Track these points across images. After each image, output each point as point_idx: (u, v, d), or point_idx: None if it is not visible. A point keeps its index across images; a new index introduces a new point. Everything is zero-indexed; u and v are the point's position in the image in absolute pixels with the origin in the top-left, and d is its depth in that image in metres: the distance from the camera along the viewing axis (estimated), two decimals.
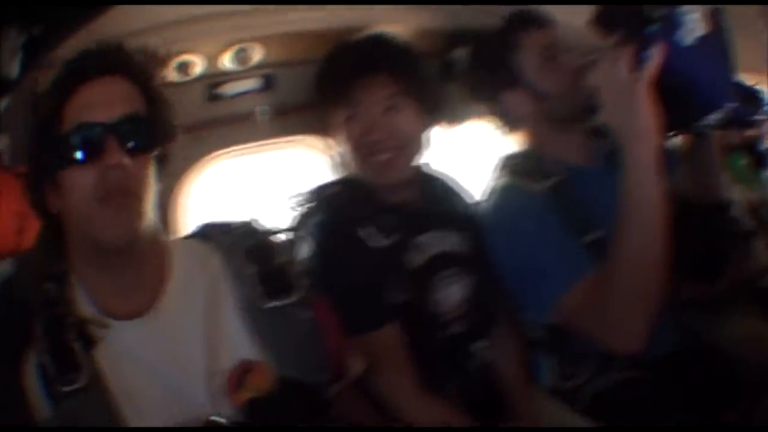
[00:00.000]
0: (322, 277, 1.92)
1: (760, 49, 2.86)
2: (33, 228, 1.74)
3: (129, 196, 1.55)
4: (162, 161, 1.69)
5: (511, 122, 2.61)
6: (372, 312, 2.19)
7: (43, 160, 1.59)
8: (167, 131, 1.70)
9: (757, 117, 2.29)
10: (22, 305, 1.60)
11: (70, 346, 1.52)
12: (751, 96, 2.26)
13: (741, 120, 2.25)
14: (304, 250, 2.00)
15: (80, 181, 1.53)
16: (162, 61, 1.84)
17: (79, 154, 1.53)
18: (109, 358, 1.55)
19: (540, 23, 2.51)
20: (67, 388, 1.47)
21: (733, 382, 2.41)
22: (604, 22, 2.02)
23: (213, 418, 1.55)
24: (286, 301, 1.71)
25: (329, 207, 2.33)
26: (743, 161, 3.77)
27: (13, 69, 1.25)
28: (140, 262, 1.65)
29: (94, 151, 1.52)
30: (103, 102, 1.57)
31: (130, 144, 1.55)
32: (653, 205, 1.96)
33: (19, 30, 1.20)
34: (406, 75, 2.34)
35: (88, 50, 1.64)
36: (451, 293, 2.35)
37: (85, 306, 1.61)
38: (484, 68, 2.59)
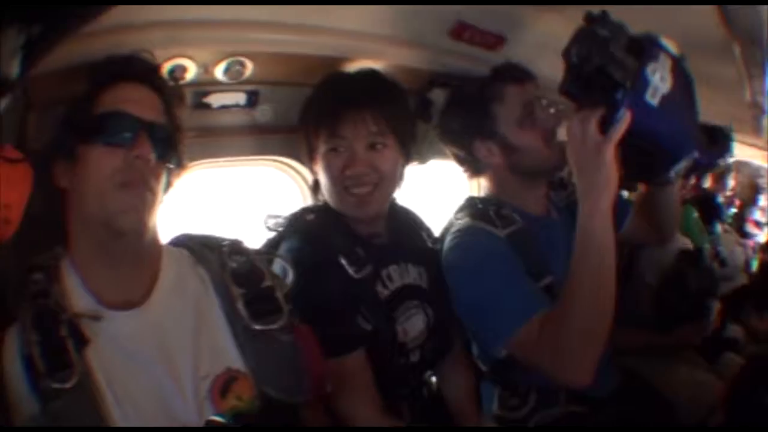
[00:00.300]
0: (302, 301, 1.92)
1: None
2: (16, 220, 1.65)
3: (147, 188, 1.67)
4: (170, 174, 1.82)
5: (477, 168, 2.71)
6: (344, 338, 2.21)
7: (68, 135, 1.70)
8: (179, 146, 1.83)
9: (721, 159, 2.49)
10: None
11: (63, 343, 1.54)
12: (715, 139, 2.40)
13: (704, 165, 2.42)
14: (282, 273, 1.97)
15: (105, 162, 1.65)
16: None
17: (111, 136, 1.66)
18: (100, 352, 1.60)
19: (523, 79, 2.60)
20: (57, 385, 1.48)
21: (670, 422, 2.63)
22: (574, 90, 2.08)
23: (212, 417, 1.58)
24: (271, 326, 1.76)
25: (308, 234, 2.33)
26: (695, 214, 4.02)
27: (13, 69, 1.19)
28: (140, 254, 1.74)
29: (126, 138, 1.66)
30: (138, 102, 1.73)
31: (157, 145, 1.69)
32: (605, 250, 2.07)
33: (19, 30, 1.14)
34: (392, 113, 2.36)
35: (128, 56, 1.81)
36: (414, 324, 2.43)
37: (79, 294, 1.67)
38: (461, 114, 2.68)
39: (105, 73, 1.77)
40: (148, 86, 1.78)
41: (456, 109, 2.72)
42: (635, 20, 2.03)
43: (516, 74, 2.62)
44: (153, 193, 1.70)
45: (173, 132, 1.80)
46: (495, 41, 2.89)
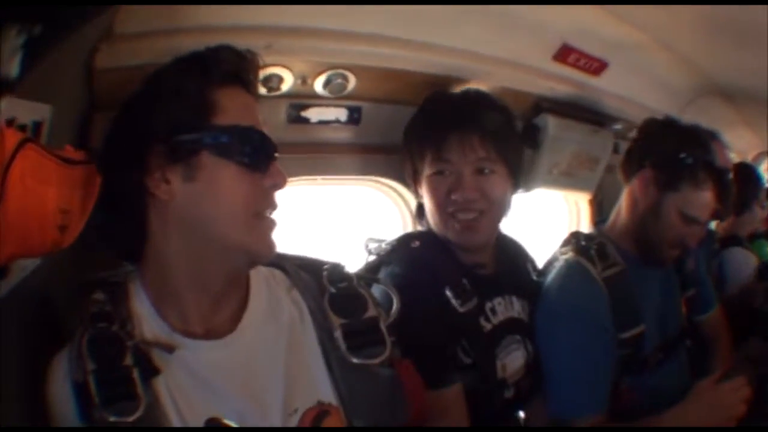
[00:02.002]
0: (401, 330, 1.67)
1: None
2: (77, 227, 1.43)
3: (275, 218, 1.45)
4: None
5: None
6: (443, 370, 1.99)
7: (181, 140, 1.36)
8: None
9: None
10: (45, 307, 1.47)
11: (128, 372, 1.31)
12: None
13: None
14: (384, 300, 1.71)
15: (243, 186, 1.38)
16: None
17: (250, 158, 1.38)
18: (174, 382, 1.35)
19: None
20: (115, 419, 1.25)
21: None
22: None
23: (214, 417, 1.35)
24: (372, 361, 1.53)
25: (413, 262, 2.12)
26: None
27: (13, 69, 1.08)
28: (238, 281, 1.50)
29: (265, 163, 1.41)
30: (259, 118, 1.45)
31: None
32: None
33: (19, 30, 1.04)
34: (500, 137, 2.14)
35: (241, 53, 1.46)
36: (514, 359, 2.21)
37: (150, 320, 1.41)
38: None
39: (222, 69, 1.43)
40: (255, 97, 1.50)
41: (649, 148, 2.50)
42: None
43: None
44: (276, 221, 1.47)
45: None
46: (598, 66, 2.74)
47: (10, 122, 1.27)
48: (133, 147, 1.39)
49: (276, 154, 1.42)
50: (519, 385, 2.22)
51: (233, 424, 1.33)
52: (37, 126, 1.40)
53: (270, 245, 1.42)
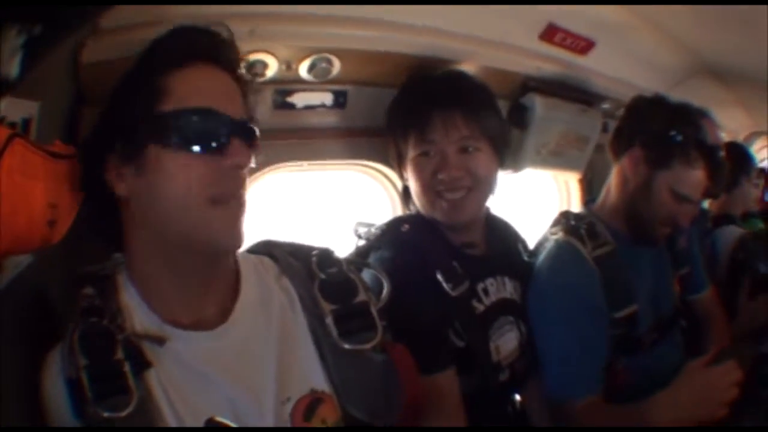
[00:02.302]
0: (392, 314, 1.63)
1: None
2: (66, 221, 1.42)
3: (243, 202, 1.36)
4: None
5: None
6: (435, 355, 1.96)
7: (125, 135, 1.32)
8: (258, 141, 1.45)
9: None
10: (40, 303, 1.41)
11: (119, 367, 1.26)
12: None
13: None
14: (374, 285, 1.67)
15: (190, 172, 1.30)
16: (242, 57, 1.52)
17: (198, 141, 1.30)
18: (165, 375, 1.31)
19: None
20: (108, 414, 1.21)
21: None
22: None
23: (213, 417, 1.31)
24: (363, 346, 1.49)
25: (403, 246, 2.08)
26: (761, 225, 3.77)
27: (13, 69, 1.08)
28: (218, 271, 1.44)
29: (218, 143, 1.31)
30: (226, 94, 1.37)
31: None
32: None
33: (19, 30, 1.04)
34: (483, 115, 2.11)
35: (197, 29, 1.38)
36: (507, 341, 2.19)
37: (139, 313, 1.37)
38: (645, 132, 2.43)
39: (176, 50, 1.35)
40: (229, 72, 1.40)
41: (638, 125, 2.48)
42: None
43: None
44: (245, 205, 1.37)
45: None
46: (585, 45, 2.71)
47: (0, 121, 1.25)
48: (95, 145, 1.38)
49: (236, 133, 1.33)
50: (513, 367, 2.20)
51: (232, 425, 1.30)
52: (26, 123, 1.38)
53: (231, 233, 1.35)
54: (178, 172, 1.29)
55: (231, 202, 1.33)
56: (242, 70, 1.45)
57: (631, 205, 2.39)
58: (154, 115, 1.30)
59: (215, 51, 1.38)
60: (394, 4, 2.10)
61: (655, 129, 2.37)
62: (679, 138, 2.31)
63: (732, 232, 3.44)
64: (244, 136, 1.34)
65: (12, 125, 1.29)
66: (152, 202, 1.32)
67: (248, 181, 1.39)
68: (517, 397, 2.41)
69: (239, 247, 1.39)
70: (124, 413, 1.21)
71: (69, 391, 1.24)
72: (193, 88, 1.33)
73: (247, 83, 1.46)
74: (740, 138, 4.66)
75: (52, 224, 1.35)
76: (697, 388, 1.98)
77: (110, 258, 1.45)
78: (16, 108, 1.32)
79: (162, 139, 1.29)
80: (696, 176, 2.34)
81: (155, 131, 1.29)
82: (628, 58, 2.92)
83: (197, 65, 1.35)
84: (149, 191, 1.31)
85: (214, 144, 1.30)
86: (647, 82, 3.10)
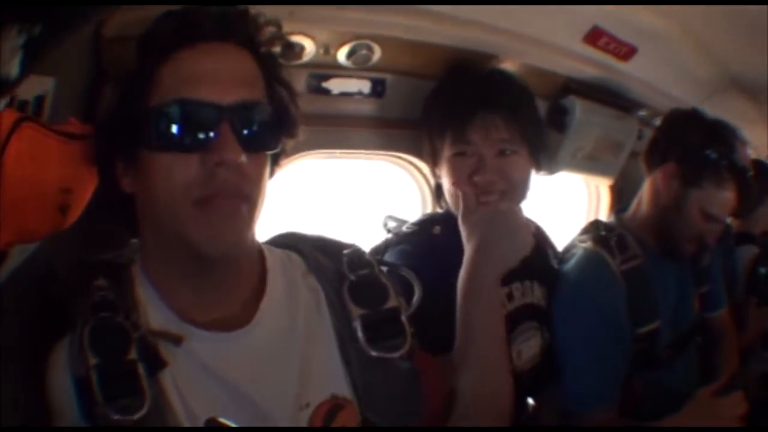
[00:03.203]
0: (420, 320, 1.49)
1: None
2: (79, 205, 1.30)
3: (239, 200, 1.18)
4: (277, 160, 1.33)
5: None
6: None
7: (121, 134, 1.19)
8: (290, 125, 1.31)
9: None
10: (50, 289, 1.27)
11: (132, 367, 1.14)
12: None
13: None
14: (402, 287, 1.54)
15: (176, 173, 1.14)
16: (280, 37, 1.34)
17: (178, 139, 1.14)
18: (181, 376, 1.19)
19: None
20: (119, 416, 1.10)
21: None
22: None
23: (216, 417, 1.14)
24: (391, 354, 1.36)
25: (432, 249, 1.98)
26: None
27: (13, 69, 1.00)
28: (236, 269, 1.29)
29: (200, 139, 1.14)
30: (216, 77, 1.16)
31: (248, 137, 1.16)
32: None
33: (19, 30, 0.97)
34: (524, 120, 2.00)
35: (196, 7, 1.21)
36: (530, 346, 2.11)
37: (155, 309, 1.24)
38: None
39: (165, 37, 1.18)
40: (235, 45, 1.21)
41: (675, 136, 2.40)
42: None
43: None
44: (250, 200, 1.20)
45: (278, 102, 1.28)
46: (628, 51, 2.56)
47: (10, 100, 1.14)
48: (103, 138, 1.27)
49: (226, 121, 1.14)
50: (532, 373, 2.11)
51: (232, 425, 1.15)
52: (39, 101, 1.28)
53: (214, 238, 1.17)
54: (161, 174, 1.16)
55: (217, 204, 1.16)
56: (258, 38, 1.26)
57: (661, 220, 2.31)
58: (139, 113, 1.17)
59: (216, 28, 1.20)
60: None
61: (691, 146, 2.30)
62: (714, 157, 2.24)
63: (750, 251, 3.37)
64: (239, 124, 1.16)
65: (23, 104, 1.20)
66: (147, 202, 1.22)
67: (260, 169, 1.22)
68: (531, 401, 2.31)
69: (228, 253, 1.23)
70: (135, 416, 1.10)
71: (77, 390, 1.13)
72: (178, 78, 1.16)
73: (272, 58, 1.30)
74: (764, 155, 4.52)
75: (64, 210, 1.24)
76: (703, 418, 1.97)
77: (127, 243, 1.33)
78: (29, 85, 1.21)
79: (146, 138, 1.16)
80: (726, 197, 2.27)
81: (140, 131, 1.16)
82: (666, 68, 2.80)
83: (192, 48, 1.17)
84: (144, 191, 1.21)
85: (194, 140, 1.14)
86: (682, 93, 3.01)
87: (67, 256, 1.35)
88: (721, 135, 2.30)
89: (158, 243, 1.24)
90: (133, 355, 1.14)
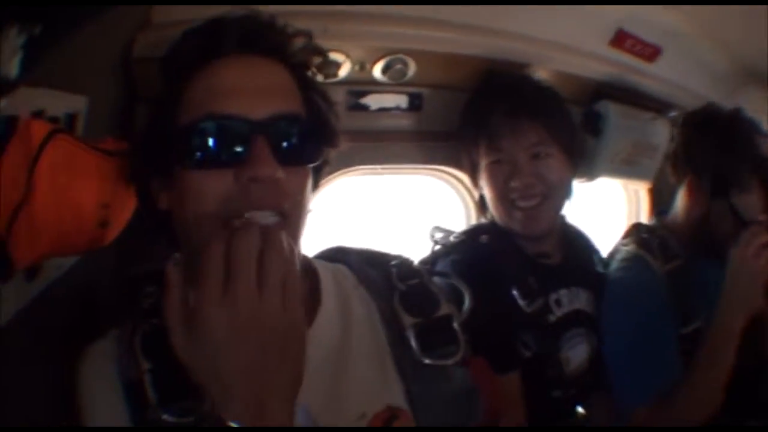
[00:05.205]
0: (472, 328, 1.37)
1: None
2: (120, 222, 1.25)
3: (275, 214, 1.05)
4: (319, 174, 1.22)
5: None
6: (502, 358, 1.79)
7: (155, 152, 1.11)
8: (330, 138, 1.20)
9: None
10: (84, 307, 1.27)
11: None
12: None
13: None
14: (452, 296, 1.44)
15: (209, 189, 1.04)
16: (319, 52, 1.24)
17: (210, 155, 1.04)
18: None
19: None
20: (171, 418, 1.03)
21: None
22: None
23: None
24: (445, 362, 1.25)
25: (481, 258, 1.89)
26: None
27: (13, 69, 0.94)
28: None
29: (233, 155, 1.04)
30: (245, 90, 1.07)
31: (286, 151, 1.06)
32: (729, 358, 1.88)
33: (19, 30, 0.91)
34: (550, 120, 1.93)
35: (228, 18, 1.11)
36: (577, 353, 1.99)
37: None
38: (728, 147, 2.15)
39: (190, 53, 1.11)
40: (270, 58, 1.12)
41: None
42: None
43: None
44: (289, 216, 1.07)
45: (317, 115, 1.17)
46: (653, 52, 2.46)
47: (37, 114, 1.07)
48: (139, 156, 1.18)
49: (260, 135, 1.03)
50: (581, 380, 2.01)
51: (234, 425, 1.02)
52: (71, 118, 1.21)
53: None
54: (194, 191, 1.06)
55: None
56: (300, 56, 1.17)
57: (696, 229, 2.16)
58: (172, 131, 1.08)
59: (240, 40, 1.11)
60: (467, 6, 1.88)
61: (707, 157, 2.13)
62: (732, 164, 2.09)
63: None
64: (275, 137, 1.05)
65: (53, 120, 1.11)
66: (182, 219, 1.11)
67: (300, 182, 1.10)
68: (580, 410, 2.14)
69: None
70: (190, 419, 1.03)
71: (127, 393, 1.07)
72: (206, 94, 1.08)
73: (305, 69, 1.19)
74: None
75: (104, 225, 1.16)
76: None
77: (170, 258, 1.20)
78: (59, 101, 1.14)
79: (178, 157, 1.07)
80: (753, 199, 2.09)
81: (172, 149, 1.08)
82: (689, 65, 2.69)
83: (217, 62, 1.09)
84: (179, 208, 1.11)
85: (226, 155, 1.04)
86: (707, 90, 2.86)
87: (106, 273, 1.32)
88: (738, 136, 2.15)
89: (196, 259, 1.11)
90: None
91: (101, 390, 1.08)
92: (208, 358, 0.87)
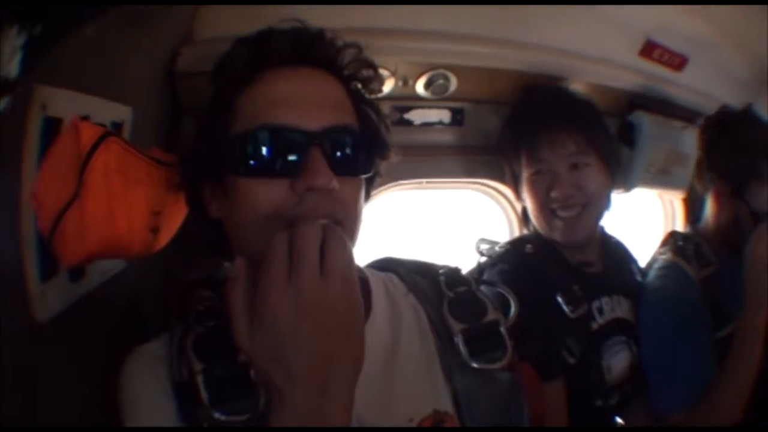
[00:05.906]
0: (518, 334, 1.38)
1: None
2: (170, 229, 1.26)
3: (331, 225, 0.97)
4: (370, 185, 1.20)
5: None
6: (548, 364, 1.73)
7: (206, 161, 1.11)
8: (382, 149, 1.20)
9: None
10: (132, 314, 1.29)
11: (243, 371, 1.05)
12: None
13: None
14: (499, 303, 1.42)
15: (264, 198, 1.02)
16: (369, 64, 1.23)
17: (266, 164, 1.03)
18: None
19: None
20: (224, 417, 1.01)
21: None
22: None
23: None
24: (494, 366, 1.25)
25: (526, 266, 1.90)
26: None
27: (13, 69, 0.92)
28: None
29: (288, 165, 1.02)
30: (305, 101, 1.05)
31: (340, 161, 1.04)
32: (756, 354, 1.84)
33: (19, 30, 0.90)
34: (588, 129, 1.90)
35: (279, 29, 1.10)
36: (619, 361, 1.95)
37: None
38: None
39: (242, 64, 1.09)
40: (324, 70, 1.11)
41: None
42: None
43: None
44: (342, 224, 1.02)
45: (369, 133, 1.15)
46: (681, 61, 2.43)
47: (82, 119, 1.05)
48: (190, 165, 1.18)
49: (316, 146, 1.01)
50: (622, 389, 1.98)
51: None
52: (117, 127, 1.21)
53: None
54: (249, 199, 1.04)
55: None
56: (351, 68, 1.17)
57: (726, 233, 2.11)
58: (225, 141, 1.07)
59: (291, 51, 1.10)
60: (505, 22, 1.89)
61: (725, 158, 2.11)
62: (747, 162, 2.05)
63: None
64: (330, 148, 1.03)
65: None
66: (235, 226, 1.10)
67: (354, 192, 1.09)
68: (619, 420, 2.12)
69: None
70: (243, 417, 1.02)
71: (177, 393, 1.05)
72: (260, 104, 1.06)
73: (355, 81, 1.18)
74: None
75: (155, 231, 1.15)
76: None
77: (220, 267, 1.23)
78: (105, 110, 1.14)
79: (232, 165, 1.05)
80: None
81: (227, 157, 1.06)
82: (716, 74, 2.64)
83: (271, 73, 1.08)
84: (232, 216, 1.09)
85: (282, 165, 1.02)
86: (733, 97, 2.74)
87: (153, 282, 1.32)
88: (751, 132, 2.12)
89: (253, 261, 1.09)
90: (243, 357, 1.04)
91: (148, 389, 1.07)
92: (273, 344, 0.85)
